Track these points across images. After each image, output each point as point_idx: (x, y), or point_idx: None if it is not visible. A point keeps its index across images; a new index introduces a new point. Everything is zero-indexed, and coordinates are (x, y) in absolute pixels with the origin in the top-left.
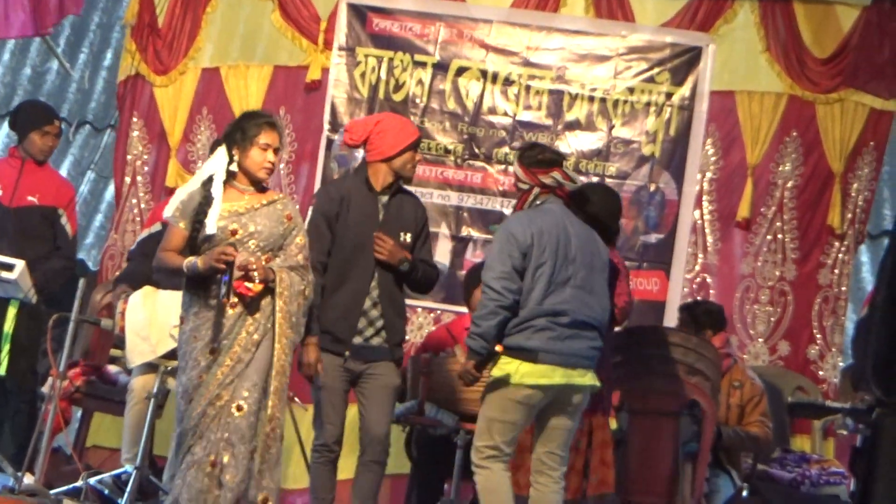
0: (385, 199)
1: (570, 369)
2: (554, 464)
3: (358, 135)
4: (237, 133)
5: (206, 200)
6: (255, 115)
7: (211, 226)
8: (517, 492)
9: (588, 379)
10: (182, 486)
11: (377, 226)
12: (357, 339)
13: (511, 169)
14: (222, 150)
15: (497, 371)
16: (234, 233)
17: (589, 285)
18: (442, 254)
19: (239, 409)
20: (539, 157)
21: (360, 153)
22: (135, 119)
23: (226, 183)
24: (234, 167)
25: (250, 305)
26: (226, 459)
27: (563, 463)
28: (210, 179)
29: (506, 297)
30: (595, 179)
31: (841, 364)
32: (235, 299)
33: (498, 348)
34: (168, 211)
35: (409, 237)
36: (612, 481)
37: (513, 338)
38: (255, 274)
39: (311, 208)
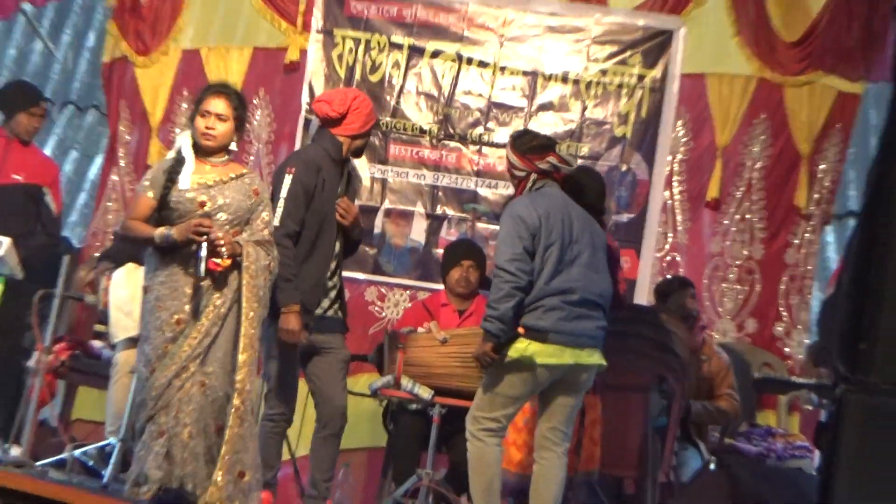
0: (344, 171)
1: (579, 349)
2: (557, 439)
3: (339, 107)
4: (194, 106)
5: (177, 163)
6: (210, 85)
7: (184, 181)
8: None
9: (595, 358)
10: (148, 456)
11: (338, 196)
12: (317, 311)
13: (485, 150)
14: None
15: (511, 350)
16: (202, 204)
17: (594, 264)
18: (417, 232)
19: (202, 384)
20: (533, 144)
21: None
22: (119, 98)
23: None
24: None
25: (218, 279)
26: (196, 434)
27: (567, 439)
28: (180, 149)
29: (521, 279)
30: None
31: (806, 341)
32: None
33: (519, 330)
34: (140, 185)
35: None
36: (598, 458)
37: (523, 318)
38: (224, 249)
39: (289, 177)
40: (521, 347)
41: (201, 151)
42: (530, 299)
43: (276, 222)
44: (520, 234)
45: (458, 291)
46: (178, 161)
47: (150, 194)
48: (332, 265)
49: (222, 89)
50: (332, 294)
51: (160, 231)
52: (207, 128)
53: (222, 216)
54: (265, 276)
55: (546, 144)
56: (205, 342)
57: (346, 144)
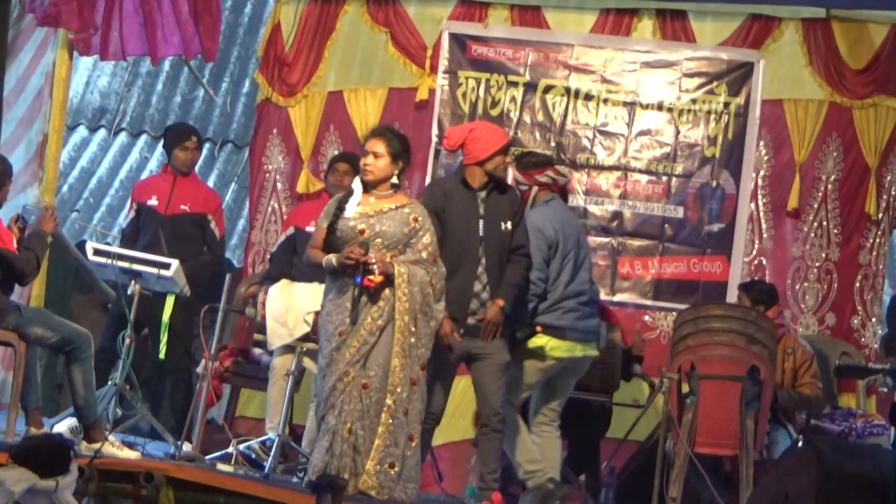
0: (483, 194)
1: (586, 344)
2: (554, 416)
3: (454, 140)
4: None
5: (347, 196)
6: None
7: (349, 210)
8: None
9: (594, 350)
10: (319, 450)
11: (478, 218)
12: (470, 320)
13: (592, 172)
14: None
15: (531, 343)
16: (361, 232)
17: (590, 266)
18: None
19: (365, 386)
20: (532, 161)
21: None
22: (274, 135)
23: (365, 191)
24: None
25: (374, 295)
26: (358, 430)
27: (558, 417)
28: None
29: (538, 286)
30: (664, 179)
31: (880, 332)
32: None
33: (538, 329)
34: (320, 216)
35: (509, 225)
36: None
37: (545, 316)
38: (376, 268)
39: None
40: (541, 342)
41: (368, 186)
42: (552, 301)
43: None
44: (539, 246)
45: None
46: (349, 194)
47: (324, 224)
48: (484, 278)
49: (379, 130)
50: (489, 305)
51: (326, 258)
52: (365, 164)
53: (378, 241)
54: (425, 290)
55: (543, 161)
56: (363, 350)
57: (474, 171)
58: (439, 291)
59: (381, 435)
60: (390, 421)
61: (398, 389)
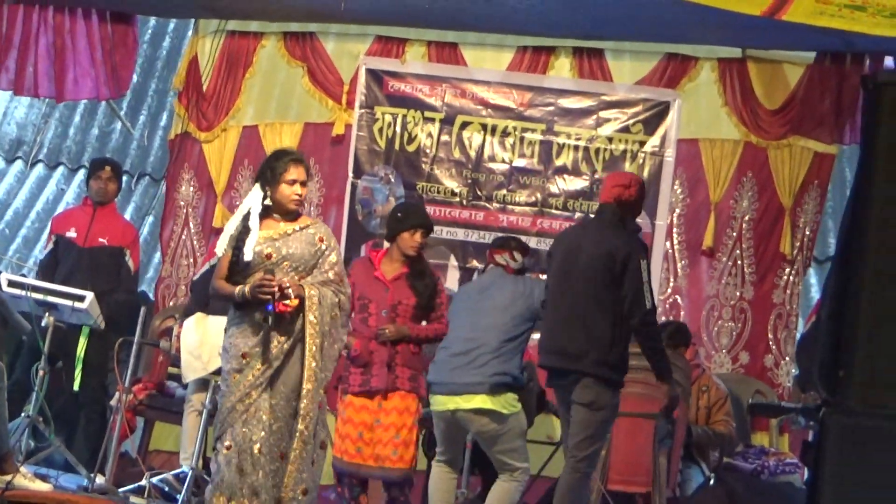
0: None
1: (459, 396)
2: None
3: (637, 190)
4: (267, 172)
5: (244, 230)
6: (282, 154)
7: (248, 253)
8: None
9: (471, 403)
10: (216, 471)
11: None
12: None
13: (509, 208)
14: (257, 187)
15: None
16: (269, 256)
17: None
18: (451, 281)
19: (269, 410)
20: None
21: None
22: (185, 169)
23: (263, 215)
24: (268, 202)
25: (285, 320)
26: (265, 453)
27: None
28: (248, 214)
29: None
30: (579, 216)
31: (793, 371)
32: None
33: None
34: (218, 246)
35: None
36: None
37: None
38: (291, 291)
39: (644, 263)
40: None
41: (273, 209)
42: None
43: (649, 305)
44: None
45: None
46: (245, 229)
47: (228, 252)
48: None
49: (297, 156)
50: None
51: (238, 289)
52: (297, 195)
53: (286, 264)
54: (334, 311)
55: (502, 243)
56: (267, 373)
57: None
58: (346, 314)
59: (293, 461)
60: (303, 446)
61: (310, 415)
